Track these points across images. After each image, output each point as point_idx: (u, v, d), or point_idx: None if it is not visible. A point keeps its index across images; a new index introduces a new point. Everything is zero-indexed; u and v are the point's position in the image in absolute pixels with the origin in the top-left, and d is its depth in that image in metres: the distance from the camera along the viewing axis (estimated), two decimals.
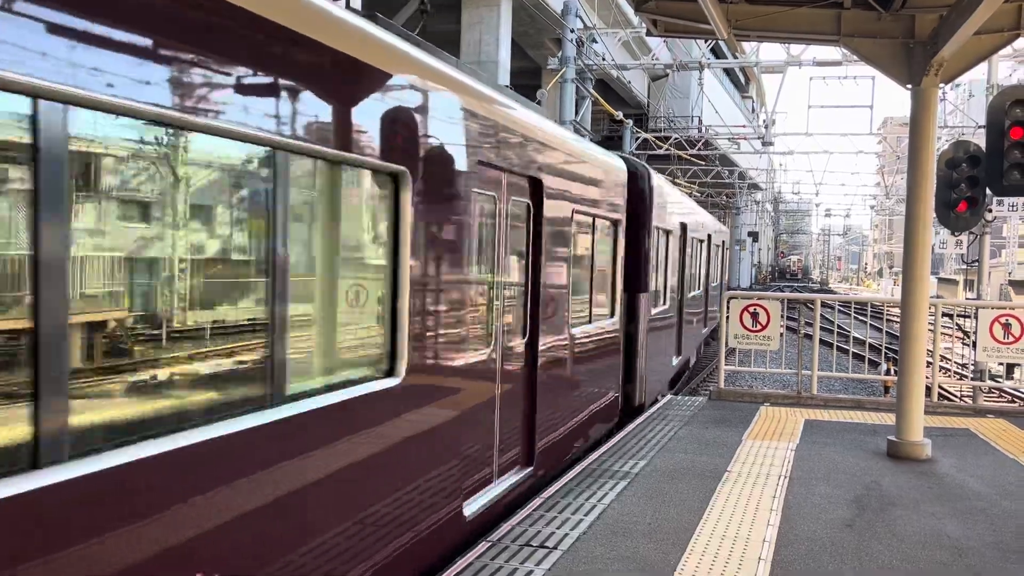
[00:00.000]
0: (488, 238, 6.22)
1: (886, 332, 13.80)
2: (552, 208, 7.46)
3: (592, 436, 9.43)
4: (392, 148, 4.62)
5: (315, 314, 4.22)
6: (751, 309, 11.69)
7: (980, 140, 9.80)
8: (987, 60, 15.97)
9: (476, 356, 6.01)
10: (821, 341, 11.84)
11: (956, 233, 21.59)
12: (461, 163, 5.54)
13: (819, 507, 6.68)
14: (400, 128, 4.73)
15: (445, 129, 5.30)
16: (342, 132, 4.19)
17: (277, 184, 3.77)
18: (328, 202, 4.31)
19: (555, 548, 5.56)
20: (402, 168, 4.73)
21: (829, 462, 8.15)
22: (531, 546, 5.60)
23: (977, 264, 23.60)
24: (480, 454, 6.16)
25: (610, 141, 30.47)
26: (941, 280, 58.80)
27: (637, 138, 31.24)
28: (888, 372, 16.71)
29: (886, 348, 15.76)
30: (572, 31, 22.57)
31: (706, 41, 28.61)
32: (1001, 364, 20.20)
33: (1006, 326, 10.99)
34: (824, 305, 12.38)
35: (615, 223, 10.03)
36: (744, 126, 42.98)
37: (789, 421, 10.11)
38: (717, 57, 36.73)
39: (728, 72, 52.31)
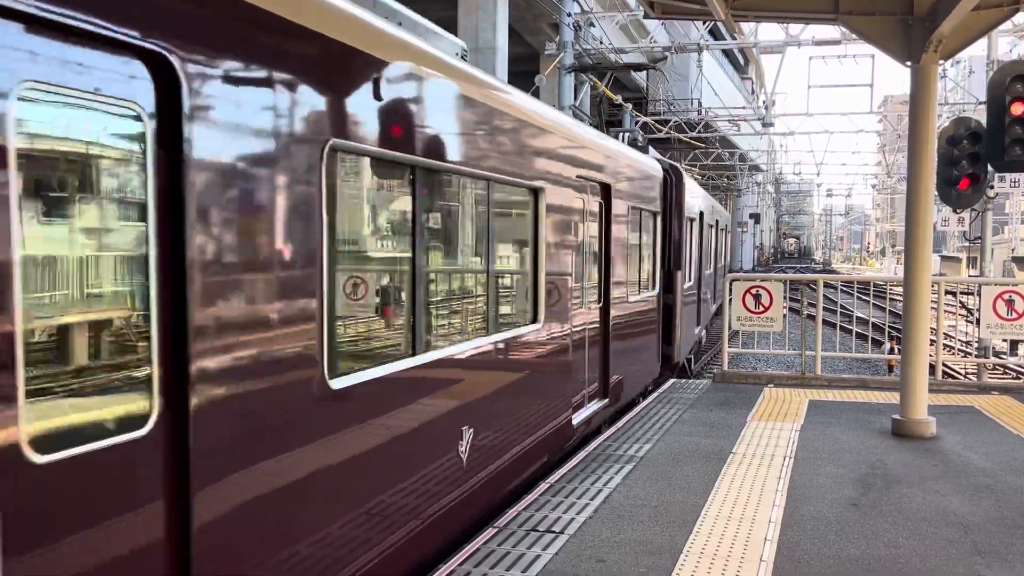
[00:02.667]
0: (577, 231, 8.38)
1: (889, 311, 13.80)
2: (618, 206, 9.89)
3: (651, 377, 12.40)
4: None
5: (518, 289, 7.21)
6: (754, 291, 11.67)
7: (981, 117, 9.75)
8: (987, 35, 15.88)
9: (575, 314, 8.37)
10: (824, 321, 11.84)
11: (958, 210, 21.55)
12: (571, 178, 8.09)
13: (824, 487, 6.68)
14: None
15: (566, 158, 7.99)
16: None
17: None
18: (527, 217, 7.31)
19: (562, 533, 5.58)
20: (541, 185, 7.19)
21: (834, 442, 8.16)
22: (537, 531, 5.61)
23: (980, 241, 23.53)
24: (579, 384, 8.66)
25: (609, 125, 30.36)
26: (944, 258, 58.74)
27: (637, 122, 31.14)
28: (892, 351, 16.70)
29: (889, 327, 15.76)
30: (569, 15, 22.47)
31: (704, 23, 28.46)
32: (1005, 341, 20.19)
33: (1009, 303, 10.97)
34: (827, 285, 12.36)
35: (654, 215, 12.45)
36: (744, 107, 42.81)
37: (793, 402, 10.11)
38: (716, 39, 36.54)
39: (727, 54, 52.07)
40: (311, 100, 3.99)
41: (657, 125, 34.02)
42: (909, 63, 8.33)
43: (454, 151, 5.50)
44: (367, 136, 4.44)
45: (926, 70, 8.25)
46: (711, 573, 4.97)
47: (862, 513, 6.08)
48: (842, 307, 31.23)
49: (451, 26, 21.97)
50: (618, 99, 28.18)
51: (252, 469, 3.63)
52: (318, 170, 4.03)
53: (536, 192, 7.22)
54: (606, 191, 9.43)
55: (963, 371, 19.87)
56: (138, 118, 3.09)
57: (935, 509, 6.20)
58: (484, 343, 6.16)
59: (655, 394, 10.76)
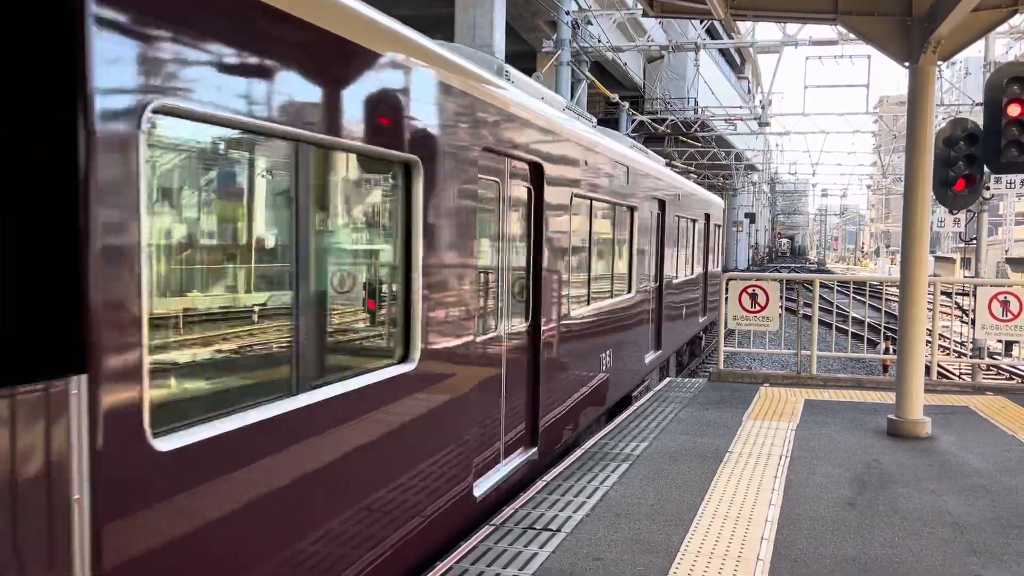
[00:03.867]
0: (701, 238, 18.32)
1: (884, 311, 13.80)
2: (711, 224, 19.48)
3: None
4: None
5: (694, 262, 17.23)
6: (750, 290, 11.69)
7: (977, 118, 9.77)
8: (985, 37, 15.91)
9: (696, 275, 17.26)
10: (820, 321, 11.85)
11: (954, 211, 21.53)
12: (700, 212, 17.58)
13: (820, 486, 6.70)
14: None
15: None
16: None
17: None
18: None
19: (558, 531, 5.58)
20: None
21: (830, 441, 8.17)
22: (534, 529, 5.61)
23: (975, 242, 23.58)
24: (691, 323, 16.95)
25: (606, 124, 30.29)
26: (938, 258, 58.82)
27: (633, 120, 31.14)
28: (887, 351, 16.73)
29: (885, 327, 15.78)
30: (567, 13, 22.46)
31: (701, 22, 28.47)
32: (1000, 341, 20.24)
33: (1005, 303, 11.00)
34: (822, 285, 12.40)
35: (719, 227, 21.77)
36: (740, 107, 42.84)
37: (789, 401, 10.13)
38: (713, 38, 36.53)
39: (724, 53, 52.10)
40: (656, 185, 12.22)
41: (653, 124, 34.00)
42: (907, 64, 8.34)
43: (686, 209, 14.37)
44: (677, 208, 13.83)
45: (925, 71, 8.26)
46: (708, 571, 4.97)
47: (858, 513, 6.09)
48: (838, 307, 31.25)
49: (448, 23, 21.92)
50: (615, 97, 28.16)
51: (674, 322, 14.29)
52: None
53: (693, 221, 15.54)
54: (707, 217, 18.41)
55: (957, 371, 19.92)
56: None
57: (931, 509, 6.21)
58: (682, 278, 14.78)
59: (651, 393, 10.77)
